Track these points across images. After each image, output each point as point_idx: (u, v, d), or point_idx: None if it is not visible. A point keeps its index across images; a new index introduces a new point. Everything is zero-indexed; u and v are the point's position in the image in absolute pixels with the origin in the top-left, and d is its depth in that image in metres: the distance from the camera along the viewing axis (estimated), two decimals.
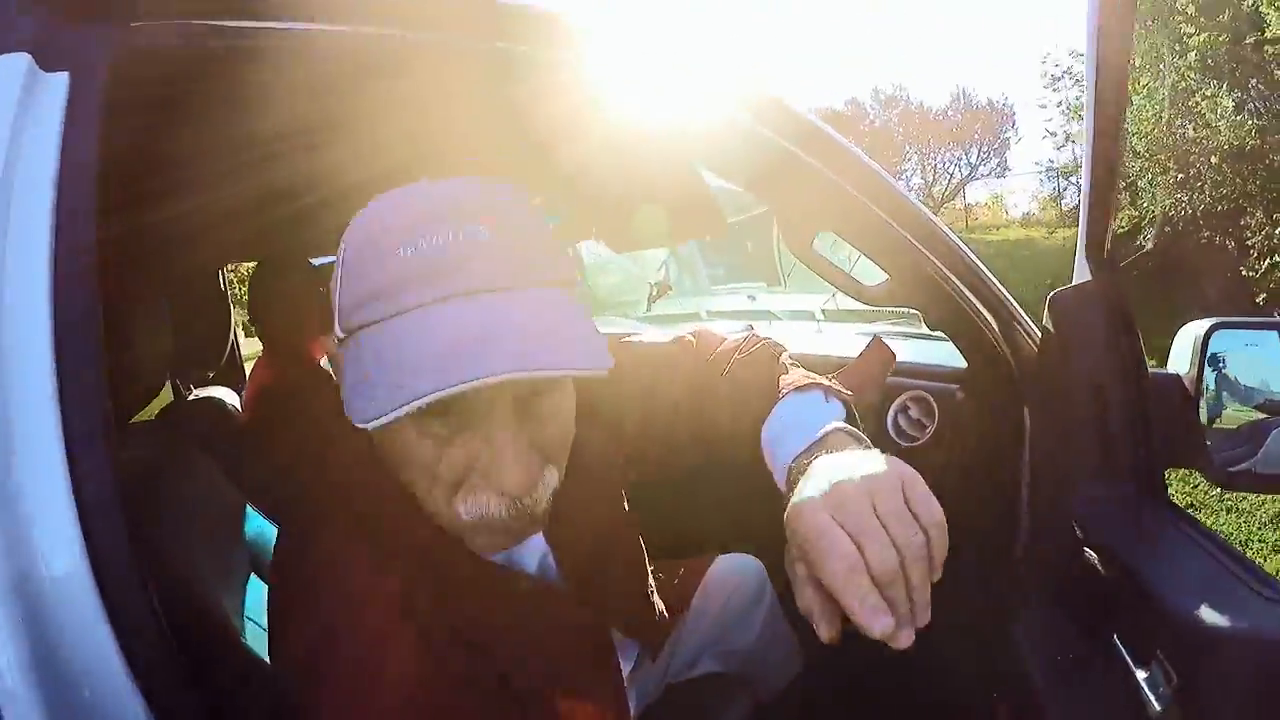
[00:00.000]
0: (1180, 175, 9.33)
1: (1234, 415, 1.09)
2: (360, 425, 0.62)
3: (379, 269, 0.66)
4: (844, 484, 0.65)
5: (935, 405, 1.60)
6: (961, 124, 19.23)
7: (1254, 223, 8.55)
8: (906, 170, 19.39)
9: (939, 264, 1.21)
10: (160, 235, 1.46)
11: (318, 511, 0.79)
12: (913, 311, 1.37)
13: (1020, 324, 1.29)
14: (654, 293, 3.43)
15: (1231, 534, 3.93)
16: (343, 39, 0.82)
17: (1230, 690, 0.70)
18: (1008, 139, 19.37)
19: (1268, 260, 8.27)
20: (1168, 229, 9.69)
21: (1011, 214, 17.71)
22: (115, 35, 0.71)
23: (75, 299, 0.63)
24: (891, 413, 1.67)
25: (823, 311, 2.70)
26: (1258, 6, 7.94)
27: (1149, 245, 9.90)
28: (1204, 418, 1.06)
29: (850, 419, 0.87)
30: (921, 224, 1.19)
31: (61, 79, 0.67)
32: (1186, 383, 1.07)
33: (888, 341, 1.57)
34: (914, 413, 1.64)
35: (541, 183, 1.73)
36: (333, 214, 1.38)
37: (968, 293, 1.25)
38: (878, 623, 0.59)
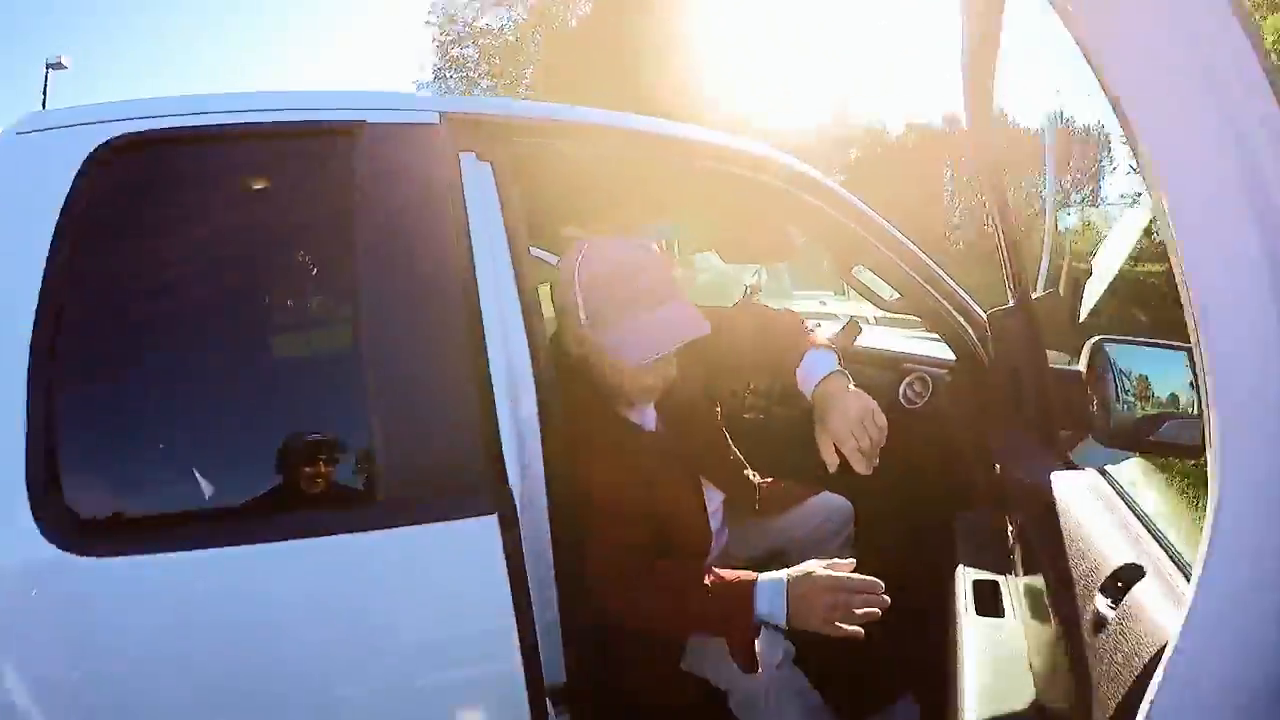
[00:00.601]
0: None
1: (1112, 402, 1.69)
2: (637, 363, 1.38)
3: (621, 288, 1.40)
4: (848, 392, 1.47)
5: (930, 382, 2.34)
6: (1057, 149, 18.62)
7: None
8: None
9: (930, 289, 1.85)
10: None
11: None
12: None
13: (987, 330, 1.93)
14: (747, 293, 4.09)
15: None
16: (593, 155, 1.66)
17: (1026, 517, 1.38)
18: (1102, 167, 18.97)
19: None
20: None
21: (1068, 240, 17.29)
22: (506, 146, 1.45)
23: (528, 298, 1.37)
24: (902, 386, 2.41)
25: (873, 317, 3.36)
26: None
27: None
28: (1096, 400, 1.65)
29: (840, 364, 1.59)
30: (919, 261, 1.84)
31: (488, 166, 1.37)
32: (1080, 375, 1.67)
33: (908, 339, 2.43)
34: (917, 387, 2.38)
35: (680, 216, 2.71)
36: None
37: (951, 309, 1.88)
38: (855, 456, 1.38)
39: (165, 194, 1.29)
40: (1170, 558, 0.93)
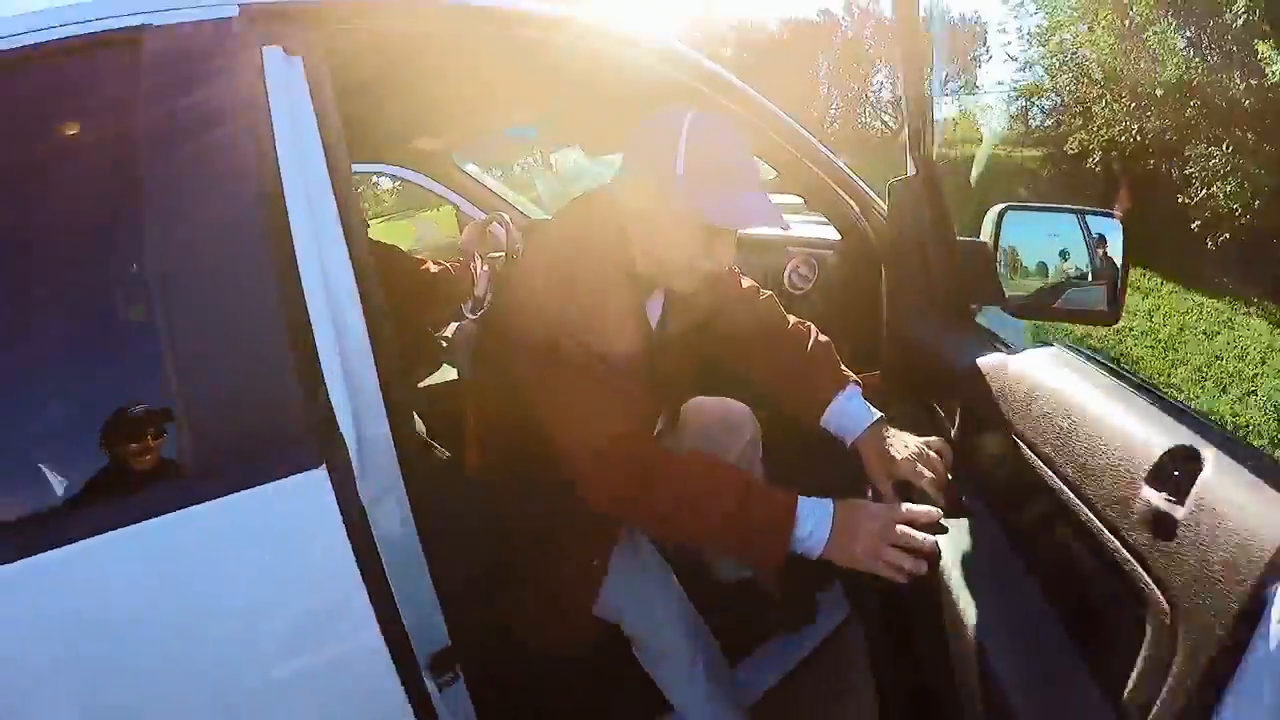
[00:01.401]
0: (1131, 104, 9.77)
1: (1018, 272, 1.58)
2: (720, 225, 1.29)
3: (723, 157, 1.29)
4: (896, 437, 1.38)
5: (816, 264, 2.23)
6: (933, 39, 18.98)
7: (1195, 154, 8.97)
8: (876, 82, 19.31)
9: (813, 166, 1.75)
10: None
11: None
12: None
13: (874, 207, 1.81)
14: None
15: None
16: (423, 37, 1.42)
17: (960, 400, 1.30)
18: (978, 57, 19.25)
19: (1205, 190, 8.74)
20: (1114, 154, 10.20)
21: (982, 131, 17.81)
22: (321, 34, 1.17)
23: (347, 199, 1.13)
24: (786, 270, 2.28)
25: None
26: None
27: (1097, 169, 10.40)
28: (1001, 270, 1.54)
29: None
30: (801, 138, 1.73)
31: (299, 60, 1.11)
32: (986, 246, 1.54)
33: (793, 221, 2.21)
34: (802, 270, 2.26)
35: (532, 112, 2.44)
36: None
37: (834, 185, 1.78)
38: (932, 489, 1.27)
39: None
40: (1224, 439, 0.73)
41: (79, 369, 1.07)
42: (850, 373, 1.56)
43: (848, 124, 19.01)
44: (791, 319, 1.68)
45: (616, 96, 1.88)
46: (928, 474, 1.29)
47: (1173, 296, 8.72)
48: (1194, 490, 0.68)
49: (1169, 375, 7.70)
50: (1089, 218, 1.60)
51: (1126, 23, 9.67)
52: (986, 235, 1.55)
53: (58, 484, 1.01)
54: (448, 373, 2.83)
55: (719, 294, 1.60)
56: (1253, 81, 8.44)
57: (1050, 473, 0.96)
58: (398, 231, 9.56)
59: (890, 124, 17.71)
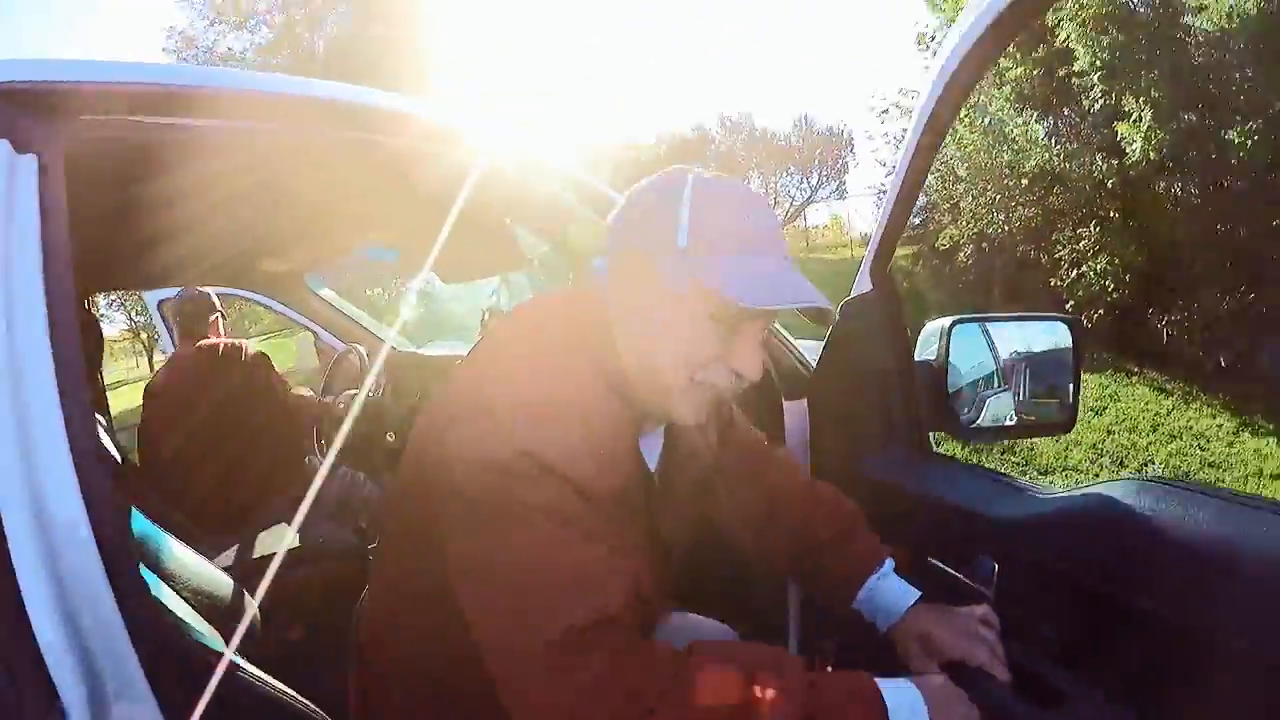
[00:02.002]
0: (997, 196, 10.28)
1: (968, 390, 1.41)
2: (744, 304, 0.91)
3: (740, 222, 0.99)
4: (943, 615, 1.10)
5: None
6: (803, 149, 20.17)
7: (1063, 237, 9.44)
8: None
9: None
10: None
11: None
12: None
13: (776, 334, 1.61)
14: (486, 317, 3.70)
15: None
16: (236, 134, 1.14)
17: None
18: (846, 164, 20.42)
19: (1076, 270, 9.17)
20: (984, 245, 10.66)
21: (852, 234, 18.67)
22: (68, 127, 0.98)
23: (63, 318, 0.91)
24: None
25: None
26: (1068, 42, 8.90)
27: (969, 261, 10.90)
28: (949, 392, 1.36)
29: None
30: None
31: (32, 159, 0.92)
32: (936, 367, 1.35)
33: None
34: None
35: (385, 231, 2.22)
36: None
37: None
38: (997, 668, 1.02)
39: None
40: None
41: None
42: (882, 545, 1.26)
43: None
44: (812, 479, 1.39)
45: (471, 212, 1.58)
46: (982, 653, 1.05)
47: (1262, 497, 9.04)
48: None
49: (1065, 458, 7.83)
50: (1036, 322, 1.52)
51: (987, 120, 10.32)
52: (927, 353, 1.38)
53: None
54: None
55: (727, 438, 1.31)
56: (1114, 161, 8.96)
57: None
58: (278, 350, 9.27)
59: None
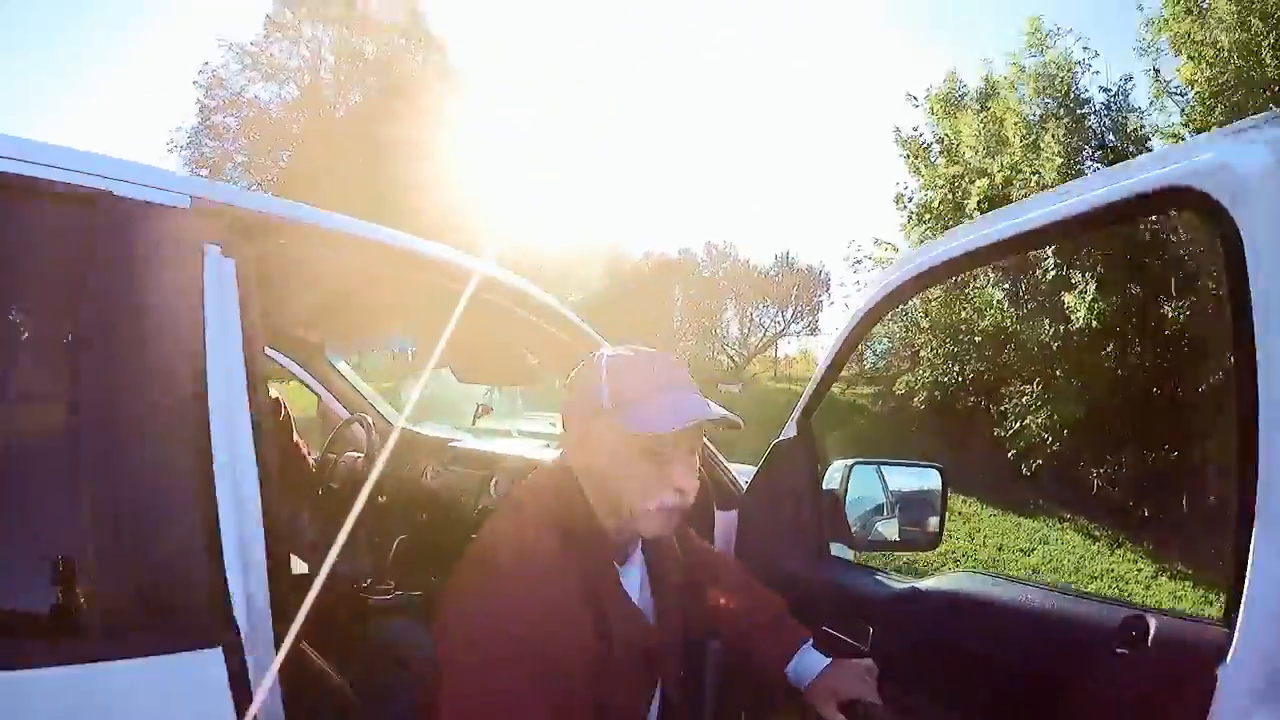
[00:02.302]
0: (954, 349, 10.93)
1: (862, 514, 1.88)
2: (658, 431, 1.22)
3: (643, 375, 1.29)
4: (842, 668, 1.48)
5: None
6: (781, 284, 20.73)
7: (1010, 391, 10.00)
8: (725, 319, 20.82)
9: None
10: None
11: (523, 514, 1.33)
12: None
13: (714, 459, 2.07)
14: (479, 411, 4.10)
15: None
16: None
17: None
18: (821, 303, 20.87)
19: (1019, 422, 9.68)
20: (938, 394, 11.25)
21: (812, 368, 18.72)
22: (257, 245, 1.33)
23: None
24: (493, 482, 2.71)
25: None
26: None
27: (922, 406, 11.48)
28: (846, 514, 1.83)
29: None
30: None
31: (232, 262, 1.24)
32: (838, 495, 1.82)
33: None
34: (503, 484, 2.67)
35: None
36: None
37: None
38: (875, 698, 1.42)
39: None
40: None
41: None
42: (801, 626, 1.64)
43: (698, 356, 19.65)
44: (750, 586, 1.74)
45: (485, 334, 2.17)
46: (868, 692, 1.44)
47: (992, 519, 9.31)
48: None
49: None
50: (915, 468, 2.01)
51: (951, 276, 11.04)
52: (832, 483, 1.84)
53: None
54: None
55: (689, 551, 1.63)
56: (1060, 327, 9.53)
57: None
58: (296, 394, 9.31)
59: (735, 358, 18.70)
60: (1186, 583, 7.55)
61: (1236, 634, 0.94)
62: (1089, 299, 8.78)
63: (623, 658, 1.26)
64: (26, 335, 1.17)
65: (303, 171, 19.45)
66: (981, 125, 11.03)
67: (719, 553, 1.77)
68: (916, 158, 12.24)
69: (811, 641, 1.56)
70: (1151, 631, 1.13)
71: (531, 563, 1.22)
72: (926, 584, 1.56)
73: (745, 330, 20.68)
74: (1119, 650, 1.16)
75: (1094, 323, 8.74)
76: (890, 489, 1.96)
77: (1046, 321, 9.90)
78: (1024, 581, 1.43)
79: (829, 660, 1.53)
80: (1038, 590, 1.37)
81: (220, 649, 1.07)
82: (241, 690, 1.07)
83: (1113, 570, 7.86)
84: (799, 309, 20.69)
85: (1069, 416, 9.25)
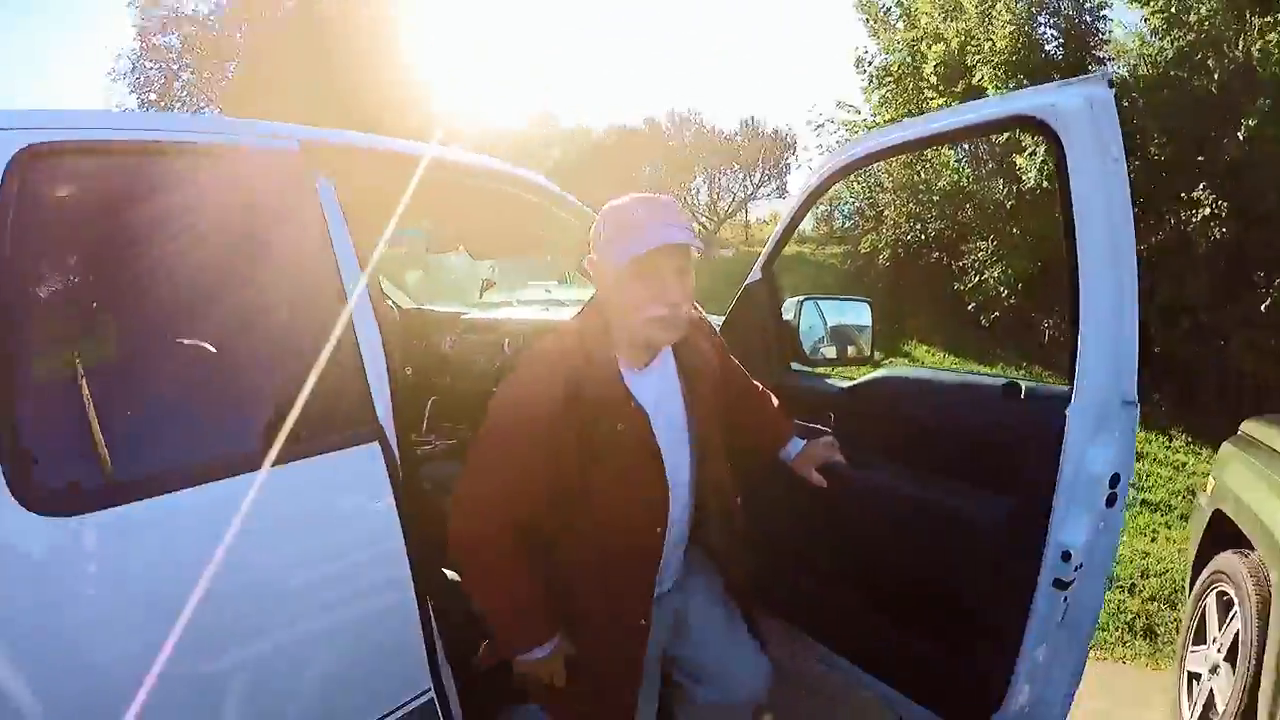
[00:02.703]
0: (915, 209, 11.39)
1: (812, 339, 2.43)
2: (628, 259, 1.51)
3: (628, 217, 1.57)
4: (818, 443, 2.06)
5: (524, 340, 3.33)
6: (748, 149, 20.52)
7: (969, 248, 10.50)
8: (694, 186, 20.56)
9: None
10: None
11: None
12: None
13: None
14: (484, 286, 4.60)
15: None
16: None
17: None
18: (788, 164, 20.74)
19: (978, 277, 10.19)
20: (901, 251, 11.79)
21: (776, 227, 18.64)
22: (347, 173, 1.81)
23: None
24: (505, 344, 3.38)
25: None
26: (982, 82, 9.82)
27: (888, 264, 12.02)
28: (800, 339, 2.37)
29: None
30: None
31: (331, 182, 1.78)
32: (792, 325, 2.37)
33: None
34: (513, 345, 3.21)
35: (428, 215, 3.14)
36: None
37: None
38: (839, 459, 2.05)
39: (74, 197, 1.49)
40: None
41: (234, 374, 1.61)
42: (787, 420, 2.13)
43: None
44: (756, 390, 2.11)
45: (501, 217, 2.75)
46: (835, 454, 2.02)
47: (954, 369, 9.79)
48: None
49: None
50: (848, 302, 2.59)
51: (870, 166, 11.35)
52: (789, 315, 2.37)
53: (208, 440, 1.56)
54: None
55: (716, 346, 1.91)
56: (1013, 187, 9.92)
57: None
58: None
59: (706, 225, 18.68)
60: None
61: (1075, 390, 1.60)
62: (1038, 161, 9.14)
63: (618, 439, 1.58)
64: (226, 244, 1.60)
65: (250, 80, 18.73)
66: None
67: (740, 368, 2.06)
68: (876, 21, 12.33)
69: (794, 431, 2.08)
70: (1023, 392, 1.83)
71: (547, 362, 1.60)
72: (865, 379, 2.19)
73: (714, 196, 20.55)
74: (1002, 403, 1.88)
75: (1044, 183, 9.11)
76: (830, 319, 2.49)
77: (1000, 182, 10.30)
78: (933, 369, 2.05)
79: (804, 440, 2.06)
80: (944, 371, 2.06)
81: (377, 444, 1.62)
82: (393, 471, 1.63)
83: None
84: (766, 172, 20.65)
85: (1023, 271, 9.73)
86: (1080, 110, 1.55)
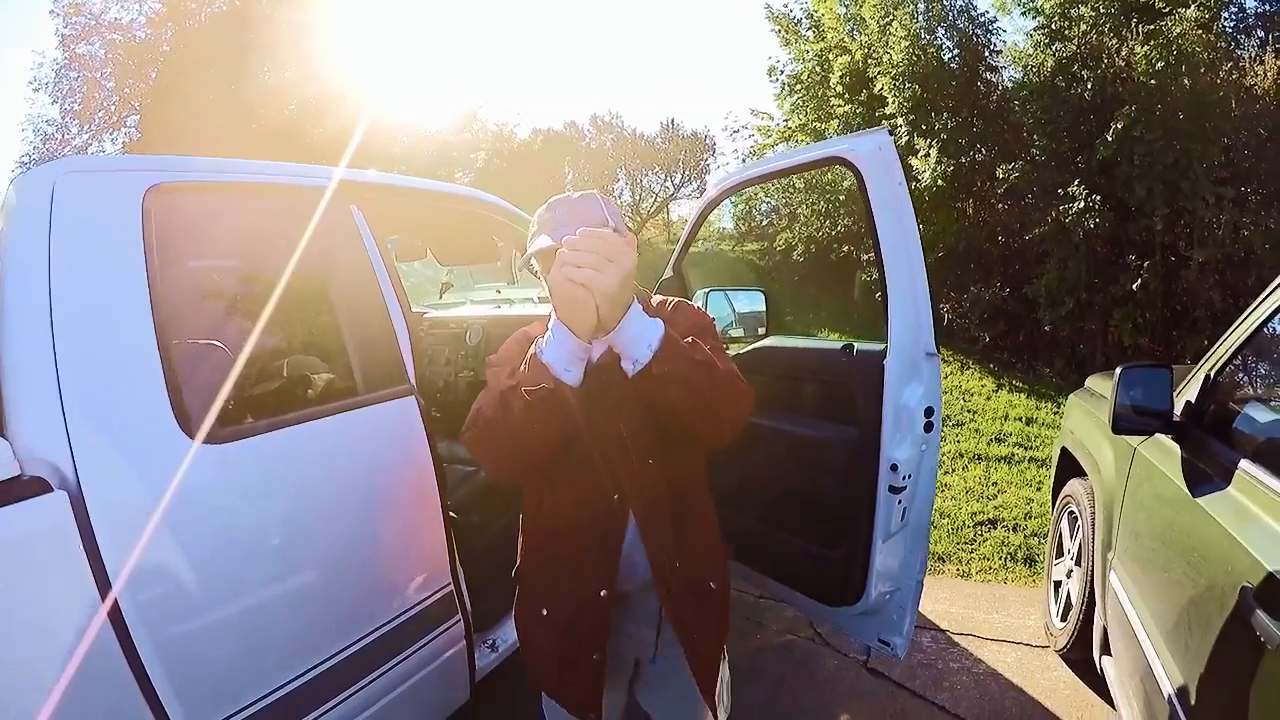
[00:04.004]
0: (824, 206, 12.24)
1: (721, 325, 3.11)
2: (527, 258, 1.73)
3: (540, 222, 1.69)
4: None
5: (482, 331, 3.96)
6: (668, 150, 21.09)
7: (871, 242, 11.34)
8: (617, 188, 21.04)
9: None
10: None
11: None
12: None
13: None
14: (444, 287, 5.21)
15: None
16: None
17: None
18: (708, 165, 21.20)
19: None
20: (813, 247, 12.64)
21: (710, 229, 19.35)
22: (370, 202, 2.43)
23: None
24: (467, 334, 4.02)
25: (538, 297, 4.59)
26: (882, 90, 10.69)
27: (801, 259, 12.89)
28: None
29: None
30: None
31: (359, 211, 2.41)
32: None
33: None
34: (475, 335, 3.89)
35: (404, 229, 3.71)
36: None
37: None
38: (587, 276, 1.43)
39: (196, 226, 2.01)
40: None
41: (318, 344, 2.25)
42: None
43: None
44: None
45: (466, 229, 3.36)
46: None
47: (812, 336, 10.32)
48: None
49: None
50: (746, 291, 3.21)
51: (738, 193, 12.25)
52: (698, 304, 3.05)
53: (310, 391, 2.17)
54: None
55: (690, 325, 1.79)
56: (912, 184, 10.69)
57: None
58: None
59: (629, 225, 19.06)
60: (1020, 394, 8.55)
61: (889, 347, 2.28)
62: (932, 163, 10.00)
63: (533, 396, 1.51)
64: (300, 253, 2.15)
65: (171, 86, 18.51)
66: (843, 5, 12.02)
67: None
68: (787, 32, 13.15)
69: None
70: (855, 350, 2.51)
71: (516, 338, 1.80)
72: (749, 348, 2.88)
73: (637, 197, 21.08)
74: (841, 359, 2.56)
75: (939, 181, 9.99)
76: (738, 308, 3.19)
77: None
78: (803, 335, 2.75)
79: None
80: (805, 339, 2.80)
81: (414, 397, 2.24)
82: (425, 416, 2.26)
83: (960, 386, 8.87)
84: (687, 173, 21.19)
85: (925, 261, 10.54)
86: (871, 151, 2.33)
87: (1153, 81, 8.58)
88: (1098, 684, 3.18)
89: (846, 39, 11.73)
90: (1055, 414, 7.84)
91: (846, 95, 11.70)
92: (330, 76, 16.91)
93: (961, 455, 6.87)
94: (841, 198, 11.84)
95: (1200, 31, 8.63)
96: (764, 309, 3.15)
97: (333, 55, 17.40)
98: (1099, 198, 8.82)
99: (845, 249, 12.25)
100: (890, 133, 2.35)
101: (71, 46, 19.63)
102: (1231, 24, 9.18)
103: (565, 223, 1.60)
